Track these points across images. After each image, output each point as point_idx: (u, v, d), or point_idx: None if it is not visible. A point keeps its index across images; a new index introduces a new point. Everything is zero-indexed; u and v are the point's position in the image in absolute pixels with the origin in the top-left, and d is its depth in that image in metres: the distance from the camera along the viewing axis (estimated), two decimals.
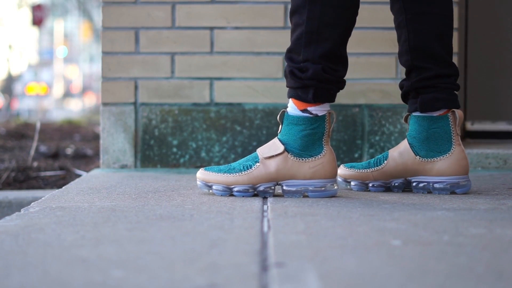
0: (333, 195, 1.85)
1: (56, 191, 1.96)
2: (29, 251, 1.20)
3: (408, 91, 1.95)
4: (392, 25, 1.98)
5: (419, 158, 1.92)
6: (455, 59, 2.62)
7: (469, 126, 2.93)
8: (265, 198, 1.82)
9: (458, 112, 1.91)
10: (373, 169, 1.96)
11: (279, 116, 1.87)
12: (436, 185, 1.90)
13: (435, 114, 1.91)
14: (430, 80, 1.91)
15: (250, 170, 1.84)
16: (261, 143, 2.62)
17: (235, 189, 1.84)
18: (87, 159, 3.92)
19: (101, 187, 2.05)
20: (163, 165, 2.64)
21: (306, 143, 1.84)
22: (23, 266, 1.09)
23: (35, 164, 3.27)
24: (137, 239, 1.30)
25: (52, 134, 6.05)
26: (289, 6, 2.64)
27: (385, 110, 2.63)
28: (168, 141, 2.65)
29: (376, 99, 2.63)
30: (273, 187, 1.85)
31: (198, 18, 2.65)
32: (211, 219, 1.50)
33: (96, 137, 5.62)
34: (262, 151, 1.87)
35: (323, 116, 1.84)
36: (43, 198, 1.82)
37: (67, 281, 1.01)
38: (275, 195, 1.86)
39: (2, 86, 27.08)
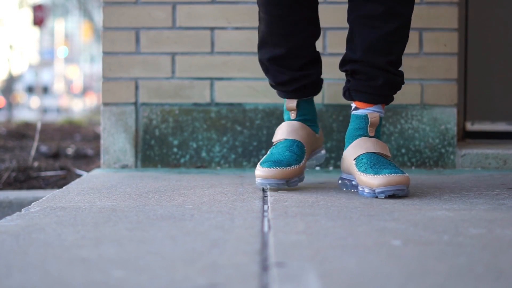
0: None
1: (56, 191, 1.96)
2: (29, 251, 1.21)
3: None
4: None
5: None
6: (455, 59, 2.63)
7: (469, 126, 2.93)
8: (265, 198, 1.82)
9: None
10: None
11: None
12: None
13: None
14: None
15: None
16: (261, 143, 2.63)
17: None
18: (88, 159, 3.92)
19: (101, 187, 2.05)
20: (163, 165, 2.64)
21: None
22: (24, 266, 1.10)
23: (36, 164, 3.28)
24: (138, 239, 1.30)
25: (52, 134, 6.05)
26: None
27: (385, 110, 2.63)
28: (168, 141, 2.65)
29: None
30: None
31: (199, 18, 2.65)
32: (212, 219, 1.50)
33: (97, 137, 5.62)
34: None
35: None
36: (43, 198, 1.83)
37: (68, 281, 1.01)
38: (275, 195, 1.86)
39: (2, 86, 27.08)
